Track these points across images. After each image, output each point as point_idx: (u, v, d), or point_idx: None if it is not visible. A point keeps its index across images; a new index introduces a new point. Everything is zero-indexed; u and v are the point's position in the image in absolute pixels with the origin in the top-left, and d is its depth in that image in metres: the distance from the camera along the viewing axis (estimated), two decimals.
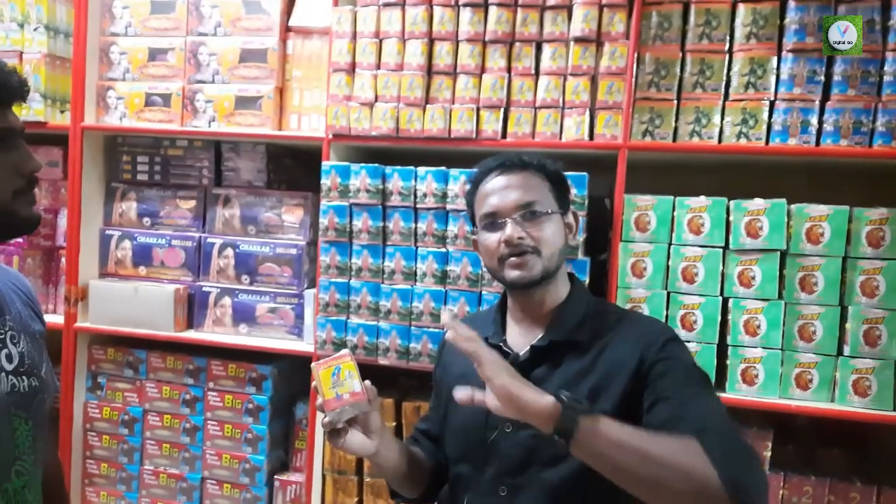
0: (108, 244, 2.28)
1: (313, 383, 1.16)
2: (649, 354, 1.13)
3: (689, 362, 1.14)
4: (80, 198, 2.21)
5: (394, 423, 2.03)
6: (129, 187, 2.28)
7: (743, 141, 1.73)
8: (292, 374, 2.21)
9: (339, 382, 1.14)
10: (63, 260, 2.29)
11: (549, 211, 1.20)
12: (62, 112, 2.26)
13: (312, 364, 1.17)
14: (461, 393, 1.04)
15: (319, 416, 1.16)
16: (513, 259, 1.18)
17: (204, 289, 2.20)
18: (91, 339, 2.31)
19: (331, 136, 1.97)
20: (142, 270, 2.26)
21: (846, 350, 1.67)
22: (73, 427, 2.28)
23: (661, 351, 1.13)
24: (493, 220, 1.21)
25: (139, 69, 2.19)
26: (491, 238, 1.21)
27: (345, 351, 1.19)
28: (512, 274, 1.19)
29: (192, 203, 2.24)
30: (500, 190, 1.21)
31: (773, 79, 1.71)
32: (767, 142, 1.72)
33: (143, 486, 2.26)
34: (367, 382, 1.17)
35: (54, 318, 2.27)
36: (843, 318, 1.68)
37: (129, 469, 2.27)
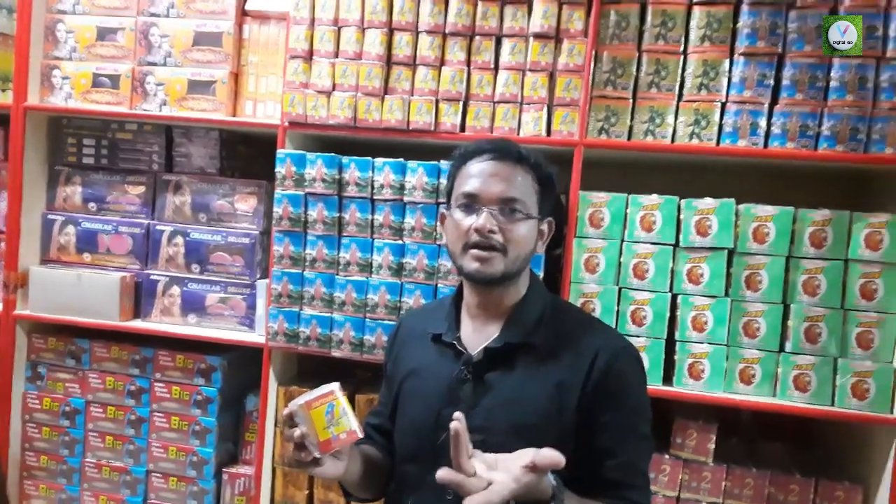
0: (50, 229, 2.19)
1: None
2: (608, 379, 1.13)
3: (639, 403, 1.16)
4: (21, 180, 2.13)
5: None
6: (74, 171, 2.20)
7: (695, 141, 1.77)
8: (243, 366, 2.17)
9: (334, 421, 1.07)
10: (3, 245, 2.19)
11: (529, 214, 1.16)
12: (3, 91, 2.17)
13: (299, 401, 1.07)
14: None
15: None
16: (476, 251, 1.14)
17: (152, 277, 2.14)
18: (31, 328, 2.22)
19: (286, 124, 1.93)
20: (86, 257, 2.18)
21: (788, 346, 1.73)
22: (11, 418, 2.20)
23: (619, 379, 1.14)
24: (471, 203, 1.16)
25: (87, 49, 2.11)
26: (463, 221, 1.16)
27: (335, 385, 1.10)
28: (471, 266, 1.15)
29: (142, 189, 2.17)
30: (487, 175, 1.15)
31: (725, 81, 1.75)
32: (718, 142, 1.76)
33: (84, 479, 2.19)
34: (353, 411, 1.12)
35: None
36: (786, 315, 1.73)
37: (70, 462, 2.20)
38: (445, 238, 1.24)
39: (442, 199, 1.80)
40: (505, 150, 1.18)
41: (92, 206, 2.20)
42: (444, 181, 1.80)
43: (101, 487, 2.18)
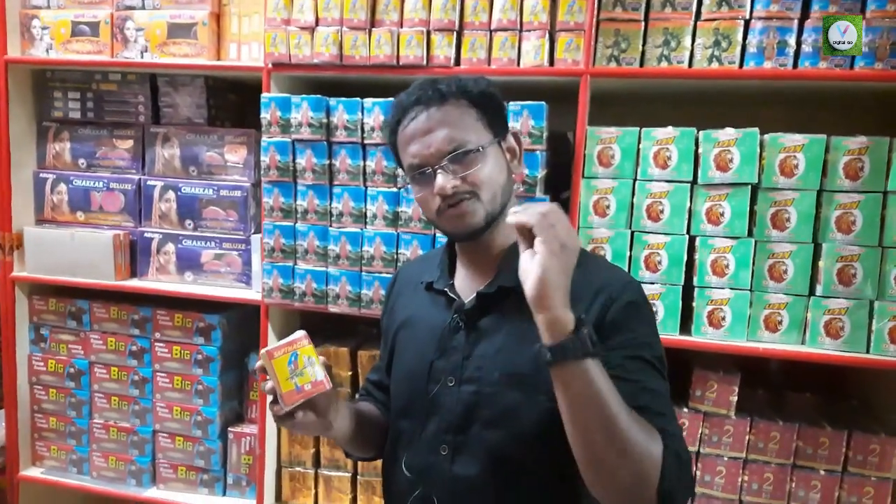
0: (42, 188, 2.13)
1: (259, 363, 1.02)
2: (610, 313, 1.01)
3: (648, 335, 1.04)
4: (7, 138, 2.05)
5: (349, 373, 1.94)
6: (61, 126, 2.12)
7: (715, 65, 1.59)
8: (243, 324, 2.10)
9: (297, 371, 1.01)
10: None
11: (481, 147, 1.05)
12: None
13: (262, 351, 1.02)
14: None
15: (266, 396, 1.03)
16: (451, 211, 1.05)
17: (146, 235, 2.06)
18: (31, 289, 2.18)
19: (270, 66, 1.80)
20: (80, 216, 2.12)
21: (819, 290, 1.57)
22: (17, 380, 2.19)
23: (624, 311, 1.02)
24: (422, 171, 1.07)
25: None
26: (423, 191, 1.08)
27: (300, 333, 1.04)
28: (452, 227, 1.08)
29: (130, 143, 2.08)
30: (421, 135, 1.06)
31: None
32: (741, 65, 1.57)
33: (93, 440, 2.18)
34: (323, 359, 1.05)
35: None
36: (817, 255, 1.57)
37: (79, 423, 2.18)
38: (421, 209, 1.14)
39: None
40: (425, 96, 1.07)
41: (82, 162, 2.12)
42: None
43: (110, 448, 2.17)
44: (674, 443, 0.91)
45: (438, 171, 1.04)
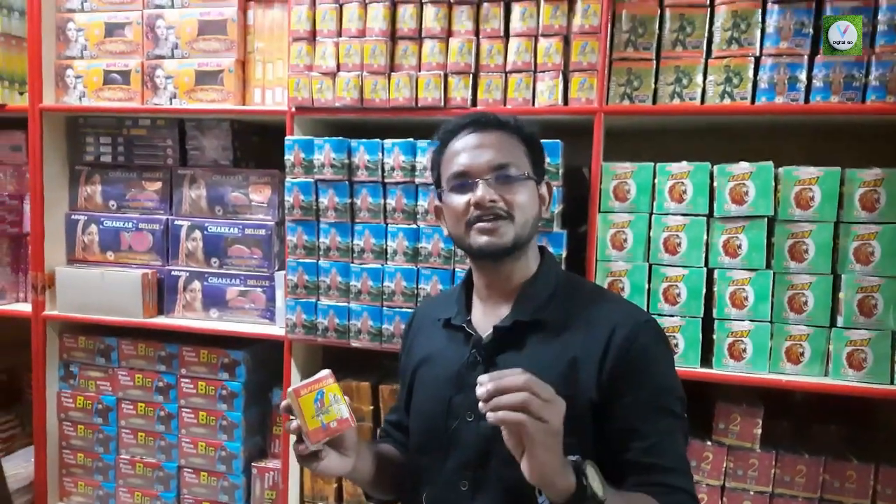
0: (74, 229, 2.20)
1: (284, 401, 1.04)
2: (627, 355, 1.03)
3: (667, 381, 1.06)
4: (41, 182, 2.13)
5: (371, 407, 1.96)
6: (93, 170, 2.20)
7: (727, 101, 1.62)
8: (266, 359, 2.13)
9: (323, 409, 1.02)
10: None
11: (526, 174, 1.10)
12: (21, 94, 2.18)
13: (289, 390, 1.04)
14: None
15: (290, 437, 1.05)
16: (482, 224, 1.07)
17: (173, 273, 2.12)
18: (62, 327, 2.24)
19: (293, 110, 1.87)
20: (110, 256, 2.18)
21: (840, 321, 1.57)
22: (47, 417, 2.23)
23: (641, 356, 1.04)
24: (463, 181, 1.09)
25: (97, 46, 2.10)
26: (459, 200, 1.09)
27: (325, 372, 1.06)
28: (480, 240, 1.07)
29: (158, 185, 2.15)
30: (472, 148, 1.09)
31: (758, 33, 1.59)
32: (753, 101, 1.60)
33: (119, 475, 2.20)
34: (347, 399, 1.07)
35: (23, 307, 2.22)
36: (836, 287, 1.58)
37: (106, 459, 2.22)
38: (445, 228, 1.17)
39: None
40: (483, 120, 1.12)
41: (112, 204, 2.19)
42: None
43: (136, 483, 2.19)
44: (678, 498, 0.97)
45: (481, 182, 1.07)
